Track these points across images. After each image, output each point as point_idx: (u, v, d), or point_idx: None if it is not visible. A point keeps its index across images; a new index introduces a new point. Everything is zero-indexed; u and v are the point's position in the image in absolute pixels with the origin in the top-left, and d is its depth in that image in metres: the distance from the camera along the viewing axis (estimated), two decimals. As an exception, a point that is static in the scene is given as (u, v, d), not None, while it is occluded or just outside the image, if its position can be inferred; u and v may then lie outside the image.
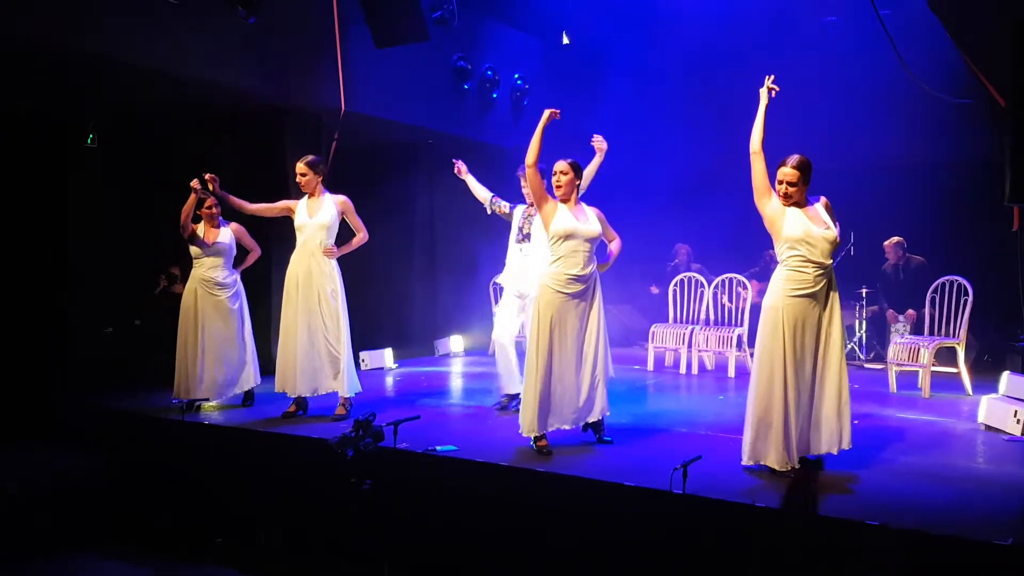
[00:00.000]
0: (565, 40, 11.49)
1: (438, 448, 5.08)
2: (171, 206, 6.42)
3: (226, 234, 6.48)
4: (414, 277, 10.54)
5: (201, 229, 6.44)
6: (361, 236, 6.21)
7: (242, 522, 5.61)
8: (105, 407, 6.76)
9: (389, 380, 8.21)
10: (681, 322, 8.63)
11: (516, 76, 10.40)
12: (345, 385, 6.03)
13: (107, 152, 8.24)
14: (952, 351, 7.16)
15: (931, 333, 7.35)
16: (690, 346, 8.38)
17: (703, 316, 8.54)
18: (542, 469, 4.70)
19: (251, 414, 6.37)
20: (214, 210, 6.41)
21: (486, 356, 9.76)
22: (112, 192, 8.41)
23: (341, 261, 6.23)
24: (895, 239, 8.87)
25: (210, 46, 6.90)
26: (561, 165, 5.13)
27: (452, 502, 4.86)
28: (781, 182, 4.53)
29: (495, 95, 10.06)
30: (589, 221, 5.11)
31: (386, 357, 8.88)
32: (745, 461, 4.61)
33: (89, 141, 8.02)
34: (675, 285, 8.75)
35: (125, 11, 6.32)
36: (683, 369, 8.36)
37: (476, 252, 10.14)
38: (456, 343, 10.10)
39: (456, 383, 8.31)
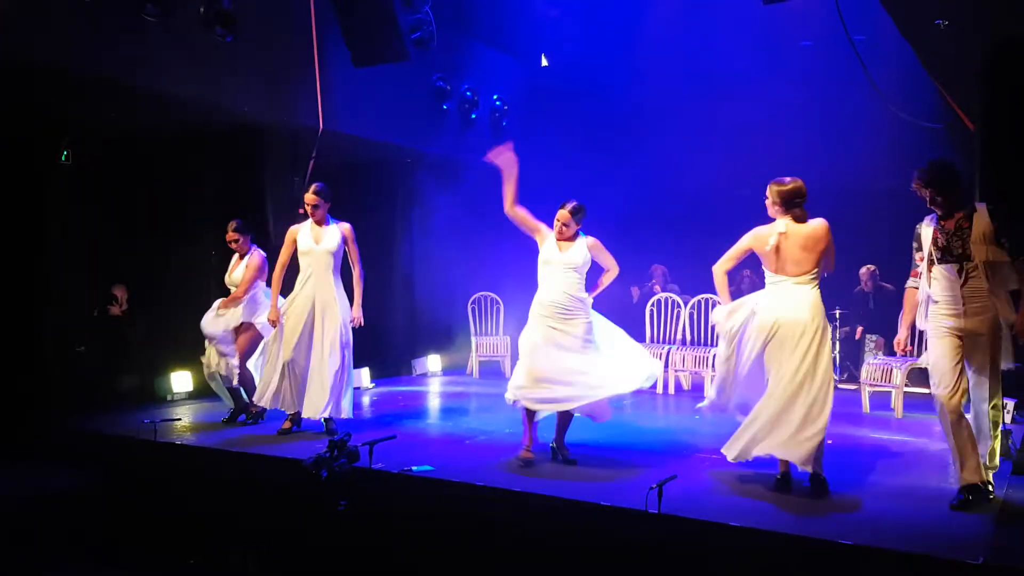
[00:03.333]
0: (544, 62, 11.59)
1: (414, 468, 5.06)
2: (147, 223, 6.37)
3: (241, 268, 6.69)
4: (392, 296, 10.49)
5: (233, 260, 6.76)
6: (357, 272, 6.31)
7: (215, 543, 5.53)
8: (80, 426, 6.68)
9: (366, 399, 8.17)
10: (658, 342, 8.67)
11: (495, 97, 10.46)
12: (317, 407, 6.06)
13: (83, 169, 8.15)
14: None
15: (903, 354, 7.42)
16: (667, 366, 8.42)
17: (679, 336, 8.58)
18: (518, 489, 4.69)
19: (230, 432, 6.34)
20: (240, 242, 6.66)
21: (463, 376, 9.75)
22: (88, 209, 8.30)
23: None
24: (870, 268, 9.09)
25: (188, 64, 6.89)
26: (563, 216, 5.23)
27: (428, 522, 4.83)
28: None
29: (474, 115, 10.11)
30: (573, 251, 5.25)
31: (363, 376, 8.83)
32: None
33: (63, 158, 7.93)
34: (651, 305, 8.80)
35: (103, 28, 6.29)
36: (660, 389, 8.39)
37: (455, 271, 10.14)
38: (434, 363, 10.07)
39: (433, 403, 8.27)
